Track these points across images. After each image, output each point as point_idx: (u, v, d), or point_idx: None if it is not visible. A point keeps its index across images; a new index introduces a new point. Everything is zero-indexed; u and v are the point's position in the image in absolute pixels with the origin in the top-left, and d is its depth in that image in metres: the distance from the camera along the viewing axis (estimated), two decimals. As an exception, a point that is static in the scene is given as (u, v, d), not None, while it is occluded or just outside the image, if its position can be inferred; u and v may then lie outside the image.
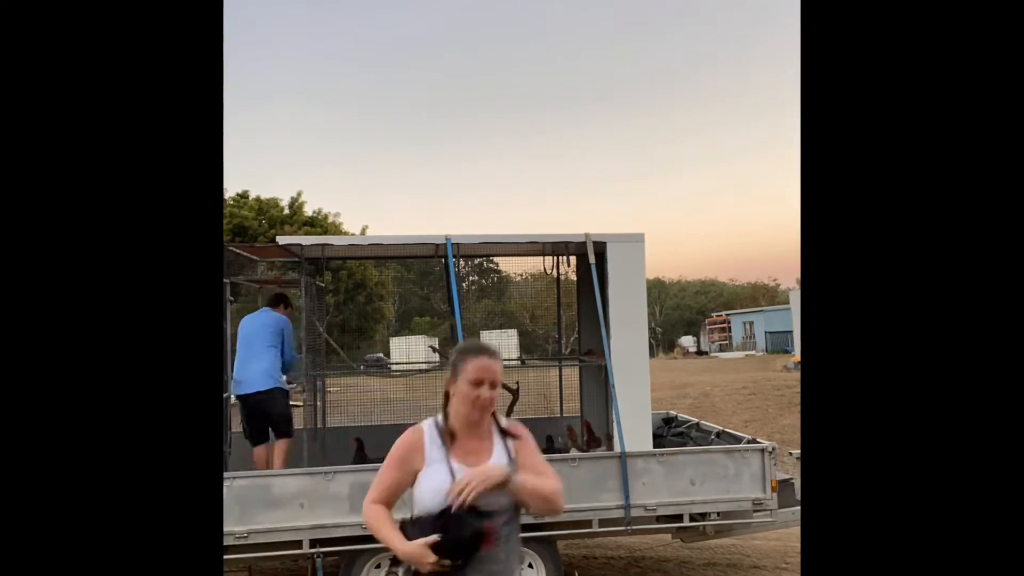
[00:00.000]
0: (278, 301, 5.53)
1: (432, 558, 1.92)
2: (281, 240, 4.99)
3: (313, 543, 4.24)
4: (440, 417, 2.15)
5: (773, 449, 4.69)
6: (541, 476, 2.10)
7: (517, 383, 5.97)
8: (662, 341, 47.73)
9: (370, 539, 4.28)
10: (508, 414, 5.84)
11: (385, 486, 2.13)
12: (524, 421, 5.77)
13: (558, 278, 6.50)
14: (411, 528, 2.02)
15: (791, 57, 1.55)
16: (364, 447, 5.29)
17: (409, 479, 2.11)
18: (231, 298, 5.78)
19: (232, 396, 5.36)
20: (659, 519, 4.70)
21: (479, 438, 2.13)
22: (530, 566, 4.55)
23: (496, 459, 2.10)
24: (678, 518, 4.65)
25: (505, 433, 2.17)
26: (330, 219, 25.42)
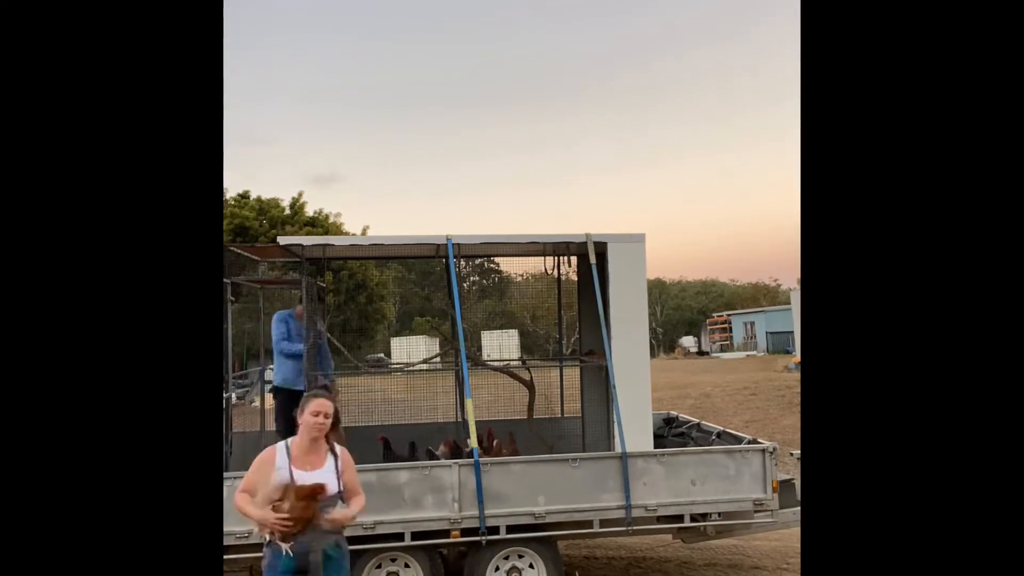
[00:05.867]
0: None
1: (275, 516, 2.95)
2: (282, 240, 4.98)
3: (313, 543, 4.24)
4: (290, 440, 3.20)
5: (774, 449, 4.69)
6: (354, 494, 3.21)
7: (531, 376, 5.95)
8: (663, 341, 47.67)
9: (371, 539, 4.29)
10: (529, 411, 5.81)
11: (250, 483, 3.15)
12: (522, 421, 5.76)
13: (559, 278, 6.49)
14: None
15: (796, 43, 1.55)
16: (391, 445, 5.36)
17: (265, 479, 3.11)
18: (231, 298, 5.78)
19: None
20: (660, 519, 4.70)
21: (316, 452, 3.18)
22: (531, 566, 4.55)
23: (327, 468, 3.16)
24: (679, 518, 4.65)
25: (334, 450, 3.22)
26: (331, 219, 25.44)
